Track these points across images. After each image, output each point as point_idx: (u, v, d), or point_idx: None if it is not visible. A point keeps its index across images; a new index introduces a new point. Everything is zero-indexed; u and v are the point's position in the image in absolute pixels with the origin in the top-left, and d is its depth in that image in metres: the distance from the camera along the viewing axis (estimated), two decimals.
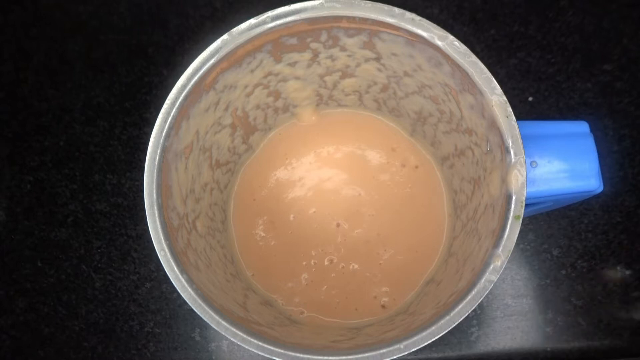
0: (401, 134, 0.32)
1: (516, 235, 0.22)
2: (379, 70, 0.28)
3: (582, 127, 0.25)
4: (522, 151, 0.22)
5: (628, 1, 0.38)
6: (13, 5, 0.40)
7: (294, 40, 0.25)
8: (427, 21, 0.24)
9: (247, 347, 0.22)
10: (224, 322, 0.22)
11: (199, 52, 0.24)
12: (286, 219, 0.31)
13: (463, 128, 0.27)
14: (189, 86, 0.24)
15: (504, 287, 0.35)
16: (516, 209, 0.22)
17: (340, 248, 0.30)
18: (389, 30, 0.24)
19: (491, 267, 0.22)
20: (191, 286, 0.23)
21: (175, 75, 0.24)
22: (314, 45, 0.26)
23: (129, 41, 0.39)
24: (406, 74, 0.27)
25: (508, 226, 0.22)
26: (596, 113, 0.37)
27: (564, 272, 0.35)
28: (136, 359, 0.35)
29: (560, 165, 0.24)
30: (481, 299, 0.22)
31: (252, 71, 0.26)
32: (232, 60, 0.25)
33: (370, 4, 0.24)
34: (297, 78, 0.28)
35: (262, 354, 0.22)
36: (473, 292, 0.22)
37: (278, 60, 0.26)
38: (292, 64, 0.27)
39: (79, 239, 0.36)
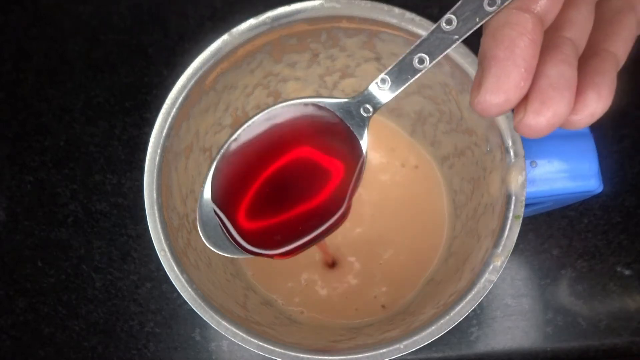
0: (401, 134, 0.32)
1: (516, 235, 0.22)
2: (379, 70, 0.28)
3: None
4: (522, 151, 0.23)
5: None
6: (13, 5, 0.40)
7: (294, 41, 0.25)
8: (427, 21, 0.24)
9: (247, 347, 0.22)
10: (224, 322, 0.22)
11: (199, 52, 0.24)
12: None
13: (463, 128, 0.27)
14: (189, 86, 0.24)
15: (504, 287, 0.35)
16: (516, 209, 0.22)
17: (340, 248, 0.30)
18: (388, 30, 0.24)
19: (491, 267, 0.22)
20: (191, 286, 0.23)
21: (175, 75, 0.24)
22: (314, 45, 0.26)
23: (129, 41, 0.39)
24: None
25: (508, 226, 0.22)
26: None
27: (564, 272, 0.35)
28: (136, 359, 0.35)
29: (560, 165, 0.24)
30: (481, 299, 0.22)
31: (252, 71, 0.26)
32: (232, 60, 0.25)
33: (370, 4, 0.24)
34: (297, 78, 0.28)
35: (262, 353, 0.22)
36: (473, 292, 0.22)
37: (278, 61, 0.26)
38: (292, 64, 0.27)
39: (79, 239, 0.36)
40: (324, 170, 0.20)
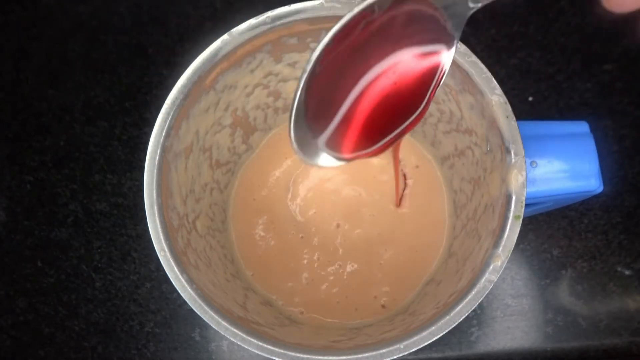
0: None
1: (516, 235, 0.22)
2: None
3: (582, 127, 0.25)
4: (522, 151, 0.23)
5: None
6: (13, 5, 0.40)
7: (294, 40, 0.25)
8: None
9: (247, 347, 0.22)
10: (224, 322, 0.22)
11: (199, 52, 0.24)
12: (286, 219, 0.31)
13: (463, 128, 0.27)
14: (189, 86, 0.24)
15: (504, 287, 0.35)
16: (516, 209, 0.22)
17: (341, 248, 0.30)
18: None
19: (491, 267, 0.22)
20: (191, 286, 0.23)
21: (175, 75, 0.24)
22: (314, 45, 0.26)
23: (129, 41, 0.39)
24: None
25: (508, 226, 0.22)
26: (596, 113, 0.37)
27: (564, 272, 0.35)
28: (136, 359, 0.35)
29: (560, 165, 0.24)
30: (481, 299, 0.22)
31: (252, 71, 0.26)
32: (232, 60, 0.25)
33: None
34: (297, 78, 0.28)
35: (262, 354, 0.22)
36: (473, 292, 0.22)
37: (278, 61, 0.26)
38: (292, 64, 0.27)
39: (79, 239, 0.36)
40: (417, 73, 0.19)
